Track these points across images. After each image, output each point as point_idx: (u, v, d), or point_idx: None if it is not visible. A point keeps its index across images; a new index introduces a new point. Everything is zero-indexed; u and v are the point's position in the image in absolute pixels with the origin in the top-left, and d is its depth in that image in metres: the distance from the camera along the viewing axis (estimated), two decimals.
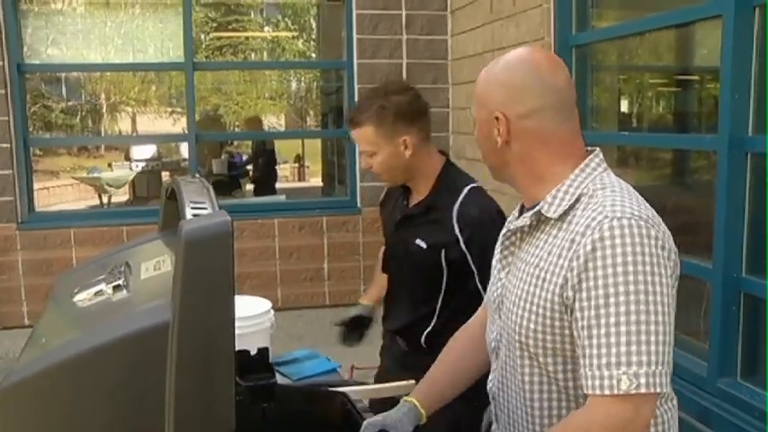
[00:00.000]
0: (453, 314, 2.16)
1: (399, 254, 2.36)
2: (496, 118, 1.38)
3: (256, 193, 9.15)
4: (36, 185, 6.04)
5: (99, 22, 10.84)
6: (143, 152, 11.64)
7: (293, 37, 14.99)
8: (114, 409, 0.90)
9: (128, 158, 11.92)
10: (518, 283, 1.37)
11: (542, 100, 1.38)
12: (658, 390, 1.18)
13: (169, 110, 17.40)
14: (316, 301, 5.84)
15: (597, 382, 1.20)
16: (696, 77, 4.11)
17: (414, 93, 2.35)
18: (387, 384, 1.80)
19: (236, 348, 1.72)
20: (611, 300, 1.19)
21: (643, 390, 1.17)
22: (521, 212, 1.47)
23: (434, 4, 5.94)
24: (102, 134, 16.11)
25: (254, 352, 1.64)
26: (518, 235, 1.43)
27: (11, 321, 5.41)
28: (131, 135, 16.04)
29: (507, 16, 4.82)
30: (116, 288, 1.13)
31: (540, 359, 1.33)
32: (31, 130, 6.48)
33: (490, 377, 1.53)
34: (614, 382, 1.17)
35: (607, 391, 1.18)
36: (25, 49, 5.68)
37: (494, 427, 1.52)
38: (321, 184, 10.21)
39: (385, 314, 2.49)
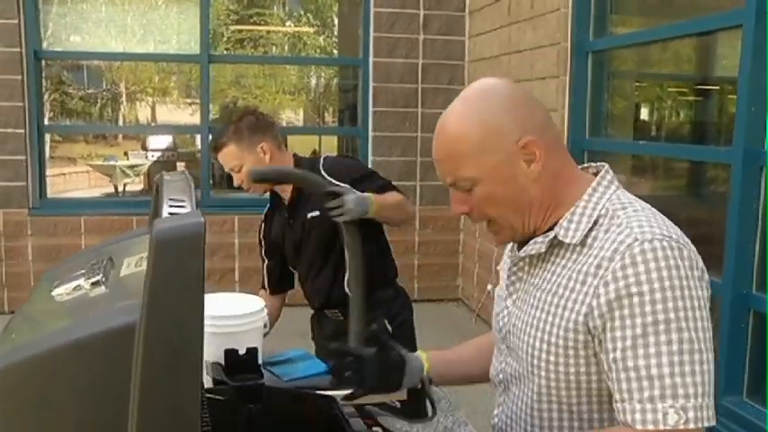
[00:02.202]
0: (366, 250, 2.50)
1: (302, 243, 2.64)
2: (523, 146, 1.21)
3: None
4: (53, 171, 6.07)
5: (121, 12, 10.87)
6: (159, 142, 11.68)
7: (314, 32, 14.98)
8: (77, 410, 0.88)
9: (144, 148, 11.97)
10: (531, 311, 1.27)
11: (542, 110, 1.29)
12: (706, 424, 1.11)
13: (189, 101, 17.45)
14: None
15: (639, 416, 1.11)
16: (714, 88, 4.05)
17: (257, 111, 2.72)
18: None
19: (227, 347, 1.71)
20: (650, 329, 1.10)
21: (691, 425, 1.09)
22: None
23: (452, 5, 5.90)
24: (121, 123, 16.19)
25: (242, 351, 1.62)
26: (527, 260, 1.30)
27: (19, 306, 5.44)
28: (147, 125, 16.08)
29: (525, 19, 4.77)
30: (94, 284, 1.10)
31: (563, 393, 1.24)
32: (51, 116, 6.51)
33: (495, 411, 1.44)
34: (660, 416, 1.09)
35: (651, 426, 1.10)
36: (48, 35, 5.71)
37: None
38: None
39: (312, 303, 2.76)
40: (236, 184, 2.62)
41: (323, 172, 2.56)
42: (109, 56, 10.46)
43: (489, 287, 5.37)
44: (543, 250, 1.25)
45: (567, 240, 1.22)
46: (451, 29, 5.92)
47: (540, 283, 1.26)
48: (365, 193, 2.37)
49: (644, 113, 4.79)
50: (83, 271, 1.17)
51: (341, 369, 1.50)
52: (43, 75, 5.89)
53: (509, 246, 1.43)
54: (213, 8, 8.97)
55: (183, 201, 0.99)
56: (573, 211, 1.24)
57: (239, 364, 1.62)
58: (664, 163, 4.29)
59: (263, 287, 2.81)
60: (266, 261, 2.79)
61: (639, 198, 1.28)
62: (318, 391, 1.69)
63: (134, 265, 1.16)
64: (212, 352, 1.71)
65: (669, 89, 4.60)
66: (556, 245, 1.25)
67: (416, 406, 1.57)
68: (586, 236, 1.21)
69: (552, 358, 1.21)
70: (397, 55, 5.88)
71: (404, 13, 5.85)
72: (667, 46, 4.07)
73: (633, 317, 1.11)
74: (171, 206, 0.96)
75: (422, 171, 6.01)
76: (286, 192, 2.65)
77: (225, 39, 14.01)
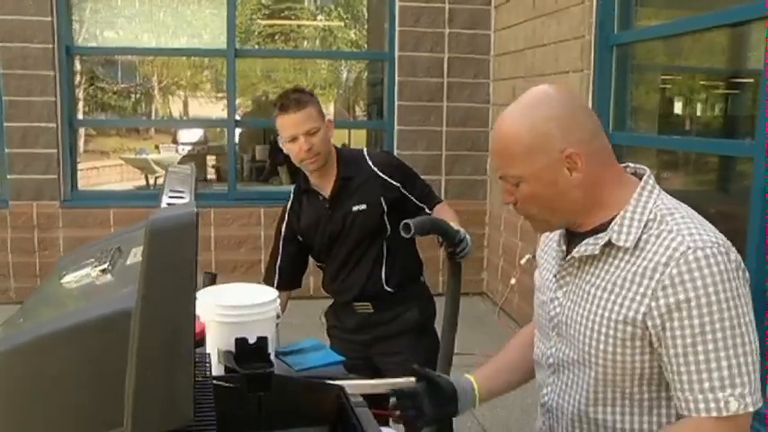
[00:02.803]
0: (396, 250, 2.63)
1: (341, 235, 2.62)
2: (567, 156, 1.32)
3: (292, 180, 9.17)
4: (87, 165, 6.20)
5: (154, 7, 11.02)
6: (190, 136, 11.83)
7: (345, 26, 15.02)
8: (75, 394, 0.92)
9: (175, 141, 12.14)
10: (586, 305, 1.39)
11: (592, 121, 1.38)
12: (759, 405, 1.26)
13: (220, 95, 17.61)
14: None
15: (703, 405, 1.26)
16: (742, 81, 4.00)
17: None
18: (385, 380, 1.80)
19: (238, 336, 1.74)
20: (708, 328, 1.24)
21: (751, 409, 1.25)
22: (569, 237, 1.47)
23: None
24: (153, 117, 16.40)
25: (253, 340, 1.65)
26: (579, 261, 1.41)
27: None
28: (179, 119, 16.27)
29: (549, 13, 4.75)
30: (102, 272, 1.15)
31: (618, 378, 1.37)
32: (86, 110, 6.65)
33: (544, 391, 1.55)
34: (722, 404, 1.25)
35: (715, 413, 1.25)
36: (83, 31, 5.82)
37: None
38: None
39: (340, 296, 2.73)
40: (305, 147, 2.48)
41: (373, 166, 2.59)
42: (138, 51, 10.61)
43: (513, 281, 5.36)
44: (597, 252, 1.36)
45: (621, 244, 1.33)
46: (477, 23, 5.91)
47: (594, 280, 1.38)
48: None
49: (669, 107, 4.74)
50: (92, 259, 1.21)
51: (401, 408, 1.62)
52: (77, 70, 6.01)
53: (553, 237, 1.53)
54: (244, 3, 9.04)
55: (182, 192, 1.03)
56: (623, 216, 1.35)
57: (249, 352, 1.65)
58: (691, 157, 4.25)
59: (268, 282, 2.73)
60: (280, 255, 2.75)
61: (671, 195, 1.40)
62: (327, 381, 1.72)
63: (140, 254, 1.20)
64: (225, 340, 1.75)
65: (695, 83, 4.54)
66: (608, 246, 1.36)
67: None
68: (638, 239, 1.32)
69: (610, 348, 1.34)
70: (423, 49, 5.89)
71: (429, 7, 5.85)
72: (693, 39, 4.03)
73: (691, 318, 1.25)
74: (170, 197, 1.00)
75: (447, 165, 6.01)
76: (326, 183, 2.61)
77: (256, 33, 14.12)
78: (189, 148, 11.63)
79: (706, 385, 1.25)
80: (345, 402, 1.63)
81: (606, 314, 1.34)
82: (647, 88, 4.54)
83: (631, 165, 1.44)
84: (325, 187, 2.61)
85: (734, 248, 1.30)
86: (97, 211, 5.73)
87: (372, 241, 2.62)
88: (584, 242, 1.39)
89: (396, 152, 5.99)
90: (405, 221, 2.12)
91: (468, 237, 2.26)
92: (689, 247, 1.25)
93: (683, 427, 1.30)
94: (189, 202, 0.96)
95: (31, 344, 0.89)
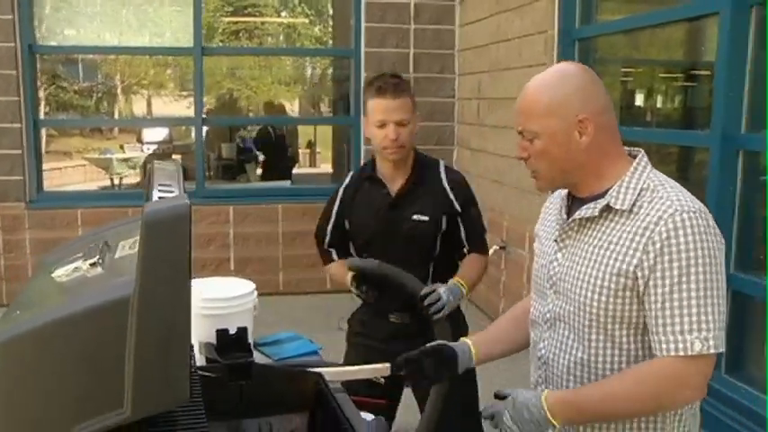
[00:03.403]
0: (443, 271, 2.48)
1: (392, 236, 2.48)
2: (580, 121, 1.51)
3: (268, 177, 9.18)
4: (49, 165, 6.13)
5: (116, 5, 10.91)
6: (155, 135, 11.73)
7: (309, 23, 15.00)
8: (77, 378, 0.96)
9: (140, 141, 12.03)
10: (585, 262, 1.55)
11: (605, 98, 1.56)
12: (720, 350, 1.44)
13: (184, 93, 17.45)
14: (317, 287, 5.91)
15: (673, 345, 1.43)
16: (699, 73, 4.12)
17: None
18: (363, 366, 1.86)
19: (219, 328, 1.79)
20: (684, 278, 1.42)
21: (712, 351, 1.42)
22: (570, 202, 1.64)
23: None
24: (116, 116, 16.21)
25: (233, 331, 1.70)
26: (578, 222, 1.59)
27: None
28: (142, 117, 16.11)
29: (513, 8, 4.84)
30: (92, 265, 1.19)
31: (609, 327, 1.53)
32: (47, 110, 6.58)
33: (541, 345, 1.69)
34: (688, 345, 1.42)
35: (681, 353, 1.43)
36: (43, 29, 5.76)
37: (540, 389, 1.68)
38: (331, 170, 10.26)
39: (368, 299, 2.51)
40: (392, 135, 2.39)
41: (444, 181, 2.51)
42: (103, 49, 10.50)
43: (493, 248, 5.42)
44: (596, 214, 1.54)
45: (618, 207, 1.52)
46: (442, 18, 5.98)
47: (592, 240, 1.56)
48: (455, 282, 2.35)
49: (630, 99, 4.87)
50: (81, 254, 1.25)
51: (409, 373, 1.77)
52: (38, 69, 5.95)
53: (552, 211, 1.72)
54: (208, 0, 8.99)
55: (171, 186, 1.08)
56: (620, 184, 1.53)
57: (230, 343, 1.70)
58: (652, 148, 4.37)
59: (329, 261, 2.68)
60: (328, 237, 2.66)
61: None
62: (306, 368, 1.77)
63: (128, 247, 1.24)
64: (205, 333, 1.80)
65: (655, 75, 4.67)
66: (606, 210, 1.54)
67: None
68: (633, 204, 1.51)
69: (603, 299, 1.51)
70: (389, 45, 5.95)
71: (394, 3, 5.91)
72: (651, 32, 4.14)
73: (672, 269, 1.43)
74: (160, 191, 1.05)
75: None
76: (396, 178, 2.52)
77: (220, 31, 14.04)
78: (154, 147, 11.52)
79: (677, 328, 1.43)
80: (324, 388, 1.69)
81: (602, 268, 1.51)
82: (608, 81, 4.66)
83: (627, 148, 1.61)
84: (394, 182, 2.52)
85: (712, 216, 1.49)
86: (64, 212, 5.69)
87: (422, 255, 2.51)
88: (584, 206, 1.57)
89: (363, 147, 6.05)
90: (348, 259, 2.18)
91: (447, 295, 2.21)
92: (676, 210, 1.45)
93: (652, 365, 1.47)
94: (181, 195, 1.01)
95: (34, 332, 0.93)
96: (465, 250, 2.55)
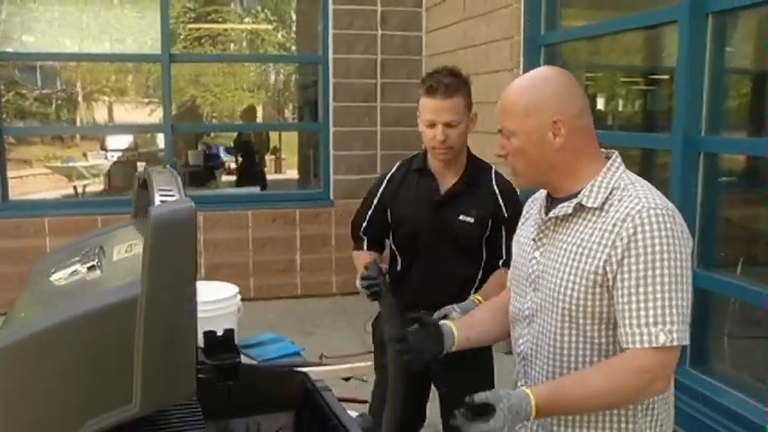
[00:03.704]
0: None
1: (436, 233, 2.43)
2: (555, 122, 1.58)
3: (241, 183, 9.19)
4: (9, 174, 6.05)
5: (75, 11, 10.78)
6: (119, 142, 11.61)
7: (273, 29, 14.98)
8: (87, 377, 0.99)
9: (103, 148, 11.89)
10: (560, 259, 1.61)
11: (583, 102, 1.63)
12: (684, 342, 1.48)
13: (146, 100, 17.27)
14: (287, 292, 5.94)
15: (638, 338, 1.48)
16: (661, 78, 4.25)
17: None
18: (345, 365, 1.91)
19: (205, 330, 1.82)
20: (650, 273, 1.47)
21: (675, 343, 1.46)
22: (549, 202, 1.69)
23: (409, 1, 6.04)
24: (78, 123, 15.98)
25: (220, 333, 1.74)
26: (554, 221, 1.65)
27: None
28: (107, 125, 15.92)
29: (479, 14, 4.93)
30: (90, 268, 1.22)
31: (581, 321, 1.58)
32: (4, 118, 6.48)
33: (520, 341, 1.74)
34: (653, 337, 1.46)
35: (646, 345, 1.47)
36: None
37: (520, 383, 1.73)
38: (297, 176, 10.28)
39: (407, 294, 2.43)
40: (440, 137, 2.31)
41: (495, 185, 2.44)
42: (68, 56, 10.38)
43: None
44: (570, 212, 1.61)
45: (589, 204, 1.58)
46: (409, 24, 6.06)
47: (567, 238, 1.62)
48: (472, 299, 2.25)
49: (593, 103, 4.99)
50: (77, 258, 1.28)
51: (398, 353, 1.78)
52: None
53: (533, 212, 1.77)
54: (170, 7, 8.94)
55: (171, 190, 1.12)
56: (593, 184, 1.60)
57: (218, 344, 1.74)
58: (619, 151, 4.48)
59: (358, 248, 2.63)
60: (365, 223, 2.61)
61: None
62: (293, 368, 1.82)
63: (124, 251, 1.28)
64: None
65: (617, 80, 4.80)
66: (579, 209, 1.60)
67: None
68: (604, 202, 1.57)
69: (575, 294, 1.57)
70: (356, 51, 6.00)
71: (362, 9, 5.97)
72: (615, 39, 4.27)
73: (638, 264, 1.48)
74: (161, 195, 1.09)
75: (382, 164, 6.14)
76: (448, 175, 2.45)
77: (182, 37, 13.94)
78: (119, 154, 11.40)
79: (642, 321, 1.48)
80: (311, 387, 1.73)
81: (576, 264, 1.57)
82: None
83: (603, 150, 1.69)
84: (445, 179, 2.46)
85: (680, 215, 1.55)
86: (30, 221, 5.62)
87: (468, 259, 2.46)
88: (560, 205, 1.63)
89: (332, 152, 6.10)
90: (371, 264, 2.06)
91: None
92: (643, 207, 1.50)
93: (622, 359, 1.52)
94: (185, 198, 1.05)
95: (45, 332, 0.97)
96: (500, 261, 2.44)
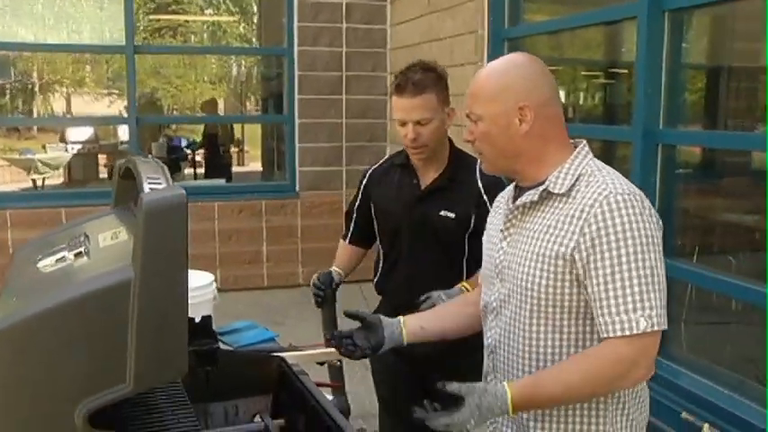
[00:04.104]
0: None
1: (418, 229, 2.39)
2: (521, 108, 1.57)
3: (206, 175, 9.21)
4: None
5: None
6: (79, 134, 11.45)
7: (235, 21, 14.89)
8: (82, 358, 1.03)
9: (63, 140, 11.71)
10: (526, 247, 1.58)
11: (551, 90, 1.63)
12: (663, 327, 1.46)
13: (105, 91, 17.04)
14: (254, 283, 5.96)
15: (618, 326, 1.45)
16: (621, 71, 4.37)
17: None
18: (318, 350, 1.96)
19: None
20: (623, 259, 1.45)
21: (656, 327, 1.44)
22: (517, 192, 1.67)
23: None
24: (35, 115, 15.69)
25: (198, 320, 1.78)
26: (521, 209, 1.63)
27: None
28: (66, 116, 15.65)
29: (444, 9, 5.00)
30: (77, 255, 1.25)
31: (550, 311, 1.55)
32: None
33: (488, 334, 1.71)
34: (633, 324, 1.43)
35: (627, 332, 1.44)
36: None
37: (490, 377, 1.70)
38: (260, 168, 10.27)
39: (394, 293, 2.45)
40: (410, 135, 2.27)
41: (479, 179, 2.34)
42: (26, 47, 10.18)
43: None
44: (536, 199, 1.59)
45: (556, 191, 1.57)
46: (373, 18, 6.11)
47: (533, 226, 1.59)
48: (460, 287, 2.21)
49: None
50: (63, 245, 1.32)
51: (342, 346, 1.80)
52: None
53: (501, 203, 1.76)
54: None
55: (158, 178, 1.16)
56: (560, 170, 1.58)
57: (196, 330, 1.77)
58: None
59: (344, 237, 2.64)
60: (354, 215, 2.60)
61: None
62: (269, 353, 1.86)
63: (110, 238, 1.32)
64: None
65: (577, 74, 4.91)
66: (546, 196, 1.59)
67: None
68: (570, 188, 1.55)
69: (543, 282, 1.54)
70: (322, 44, 6.03)
71: (327, 2, 6.00)
72: (576, 34, 4.37)
73: (611, 250, 1.46)
74: (150, 183, 1.13)
75: (347, 156, 6.19)
76: (428, 171, 2.40)
77: (142, 28, 13.77)
78: (78, 146, 11.24)
79: (621, 308, 1.45)
80: (288, 371, 1.78)
81: (542, 251, 1.54)
82: None
83: (571, 140, 1.68)
84: (426, 175, 2.41)
85: (648, 200, 1.55)
86: None
87: (450, 255, 2.38)
88: (526, 193, 1.62)
89: (297, 144, 6.12)
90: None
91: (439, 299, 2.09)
92: (611, 192, 1.49)
93: (602, 349, 1.49)
94: (176, 185, 1.09)
95: (40, 316, 1.01)
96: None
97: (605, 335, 1.47)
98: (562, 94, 5.09)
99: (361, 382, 2.71)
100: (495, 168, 1.72)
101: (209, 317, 1.80)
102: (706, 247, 3.65)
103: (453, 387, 1.47)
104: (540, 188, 1.59)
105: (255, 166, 11.97)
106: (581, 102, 5.01)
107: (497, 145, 1.62)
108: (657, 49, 3.11)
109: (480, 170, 2.32)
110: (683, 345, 3.52)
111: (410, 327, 1.83)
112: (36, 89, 16.17)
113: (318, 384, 1.86)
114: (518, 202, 1.64)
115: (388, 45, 6.16)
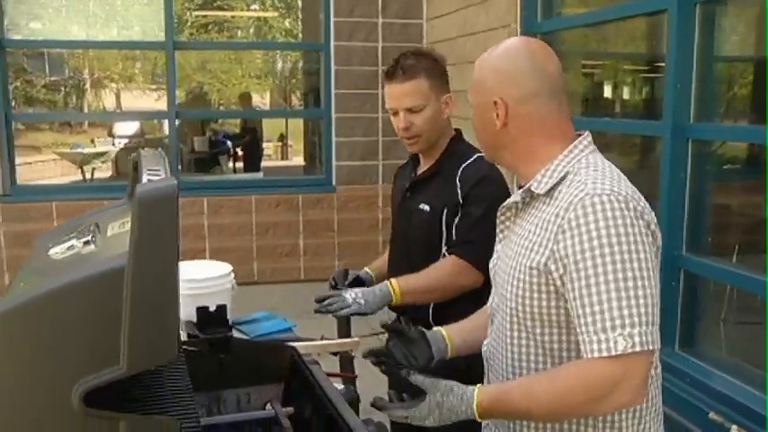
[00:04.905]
0: None
1: (405, 223, 2.32)
2: (495, 102, 1.46)
3: (246, 169, 9.33)
4: (19, 160, 6.15)
5: None
6: (126, 128, 11.73)
7: (279, 16, 15.06)
8: (77, 339, 1.08)
9: (111, 135, 12.01)
10: (511, 254, 1.46)
11: (537, 85, 1.46)
12: (650, 347, 1.27)
13: (154, 86, 17.40)
14: (291, 276, 6.04)
15: (595, 346, 1.27)
16: (656, 65, 4.30)
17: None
18: (332, 341, 1.99)
19: (199, 306, 1.91)
20: (600, 270, 1.28)
21: (637, 348, 1.25)
22: (519, 190, 1.56)
23: None
24: (86, 110, 16.09)
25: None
26: (512, 210, 1.53)
27: None
28: (114, 111, 16.03)
29: (478, 3, 4.98)
30: (86, 243, 1.31)
31: (528, 324, 1.42)
32: (13, 104, 6.58)
33: (486, 341, 1.61)
34: (611, 344, 1.26)
35: (605, 353, 1.26)
36: (6, 22, 5.77)
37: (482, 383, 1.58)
38: (303, 162, 10.37)
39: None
40: (402, 124, 2.17)
41: (459, 170, 2.22)
42: (74, 44, 10.47)
43: None
44: (518, 200, 1.49)
45: (537, 191, 1.44)
46: (409, 12, 6.11)
47: (518, 229, 1.49)
48: (386, 283, 2.13)
49: (591, 91, 5.04)
50: (74, 234, 1.38)
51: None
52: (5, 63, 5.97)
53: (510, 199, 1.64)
54: None
55: (158, 170, 1.20)
56: (547, 168, 1.44)
57: (210, 319, 1.82)
58: (617, 138, 4.55)
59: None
60: (392, 214, 2.54)
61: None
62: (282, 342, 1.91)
63: (118, 227, 1.37)
64: (187, 312, 1.92)
65: (614, 67, 4.85)
66: (533, 197, 1.47)
67: None
68: (553, 189, 1.41)
69: (520, 293, 1.41)
70: (357, 38, 6.06)
71: None
72: (612, 26, 4.31)
73: (584, 260, 1.30)
74: (149, 174, 1.18)
75: (384, 150, 6.22)
76: (425, 162, 2.32)
77: (189, 24, 14.03)
78: (125, 140, 11.53)
79: (599, 326, 1.27)
80: (299, 360, 1.82)
81: (521, 260, 1.42)
82: (569, 73, 4.82)
83: (578, 132, 1.54)
84: (423, 168, 2.32)
85: (643, 202, 1.37)
86: (39, 205, 5.73)
87: (427, 252, 2.24)
88: (513, 194, 1.53)
89: (334, 139, 6.17)
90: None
91: (358, 299, 2.05)
92: (586, 194, 1.32)
93: (578, 367, 1.33)
94: (169, 177, 1.13)
95: (38, 299, 1.06)
96: (448, 248, 2.20)
97: (584, 354, 1.31)
98: (598, 88, 5.06)
99: (372, 373, 2.75)
100: (489, 158, 1.63)
101: (224, 306, 1.84)
102: (744, 246, 3.57)
103: (417, 379, 1.39)
104: (525, 188, 1.48)
105: (299, 160, 12.10)
106: (611, 96, 4.95)
107: (481, 135, 1.56)
108: (688, 42, 3.06)
109: (468, 165, 2.22)
110: (722, 345, 3.46)
111: (455, 341, 1.70)
112: (87, 85, 16.59)
113: (330, 375, 1.89)
114: (505, 203, 1.54)
115: (425, 40, 6.16)
